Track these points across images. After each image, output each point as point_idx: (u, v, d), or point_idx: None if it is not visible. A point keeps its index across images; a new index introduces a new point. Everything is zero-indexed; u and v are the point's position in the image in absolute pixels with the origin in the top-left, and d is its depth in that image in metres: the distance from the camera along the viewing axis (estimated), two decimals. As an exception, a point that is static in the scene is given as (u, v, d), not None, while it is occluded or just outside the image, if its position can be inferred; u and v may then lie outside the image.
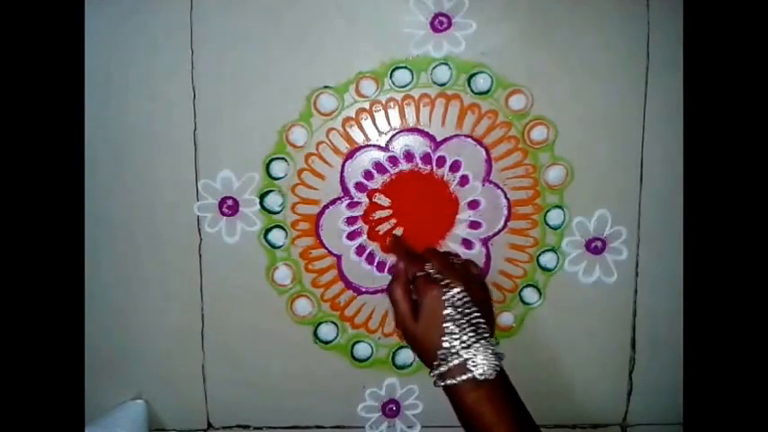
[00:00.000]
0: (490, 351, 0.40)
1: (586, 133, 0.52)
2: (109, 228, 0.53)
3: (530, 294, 0.54)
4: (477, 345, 0.40)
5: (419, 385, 0.55)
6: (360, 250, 0.53)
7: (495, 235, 0.53)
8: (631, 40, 0.51)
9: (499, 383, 0.40)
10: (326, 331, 0.54)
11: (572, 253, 0.54)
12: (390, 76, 0.51)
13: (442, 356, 0.41)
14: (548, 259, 0.54)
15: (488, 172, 0.52)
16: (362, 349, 0.54)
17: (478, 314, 0.42)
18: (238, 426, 0.56)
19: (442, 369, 0.41)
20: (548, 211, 0.53)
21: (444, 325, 0.41)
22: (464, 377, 0.40)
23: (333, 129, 0.52)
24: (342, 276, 0.54)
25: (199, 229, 0.53)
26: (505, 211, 0.53)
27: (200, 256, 0.53)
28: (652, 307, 0.54)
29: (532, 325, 0.54)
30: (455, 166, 0.52)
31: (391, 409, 0.55)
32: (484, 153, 0.52)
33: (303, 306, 0.54)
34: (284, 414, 0.55)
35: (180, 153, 0.52)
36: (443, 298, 0.41)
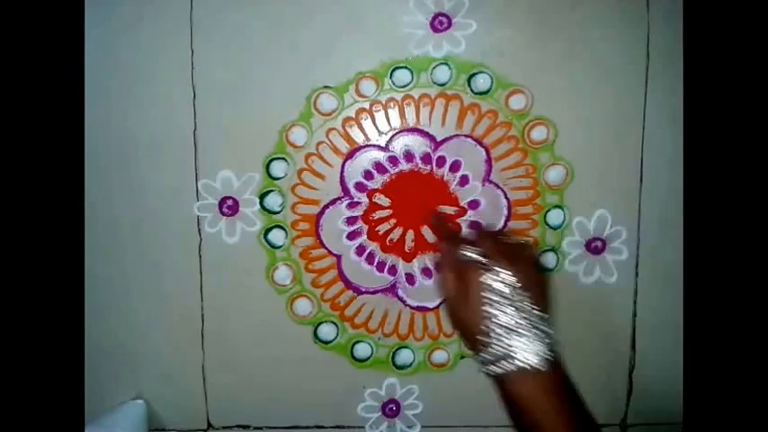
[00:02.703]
0: (538, 338, 0.37)
1: (586, 133, 0.52)
2: (109, 228, 0.53)
3: (530, 294, 0.54)
4: (523, 330, 0.37)
5: (419, 385, 0.55)
6: (360, 250, 0.53)
7: (495, 235, 0.53)
8: (631, 40, 0.51)
9: (552, 377, 0.37)
10: (326, 331, 0.54)
11: (572, 253, 0.54)
12: (390, 76, 0.51)
13: (482, 343, 0.38)
14: (548, 259, 0.54)
15: (488, 172, 0.52)
16: (362, 349, 0.54)
17: (523, 295, 0.38)
18: (238, 426, 0.56)
19: (484, 356, 0.38)
20: (548, 211, 0.53)
21: (483, 309, 0.38)
22: (505, 366, 0.37)
23: (333, 129, 0.52)
24: (342, 276, 0.54)
25: (199, 229, 0.53)
26: (505, 211, 0.53)
27: (200, 256, 0.53)
28: (652, 307, 0.54)
29: (532, 325, 0.54)
30: (455, 166, 0.52)
31: (391, 409, 0.55)
32: (484, 153, 0.52)
33: (303, 306, 0.54)
34: (284, 414, 0.55)
35: (180, 153, 0.52)
36: (481, 280, 0.39)
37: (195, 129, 0.52)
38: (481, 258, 0.40)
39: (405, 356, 0.55)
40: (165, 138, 0.52)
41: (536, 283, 0.40)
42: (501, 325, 0.38)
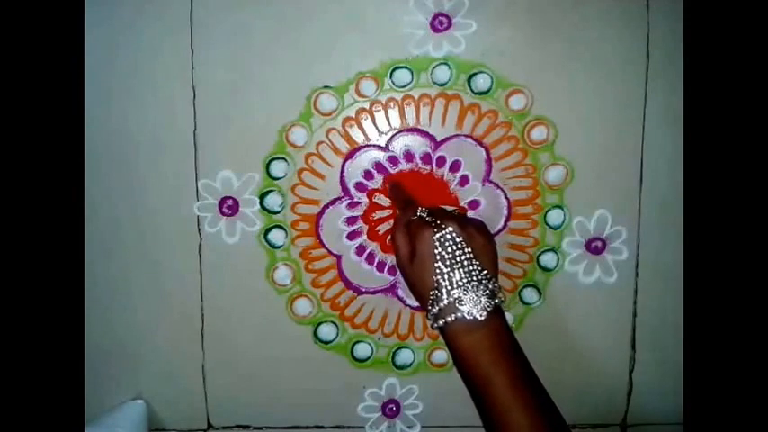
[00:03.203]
0: (482, 291, 0.40)
1: (586, 133, 0.52)
2: (109, 228, 0.53)
3: (530, 294, 0.54)
4: (468, 285, 0.40)
5: (419, 385, 0.55)
6: (360, 250, 0.53)
7: (494, 235, 0.53)
8: (631, 40, 0.51)
9: (496, 329, 0.40)
10: (326, 331, 0.54)
11: (572, 253, 0.54)
12: (390, 76, 0.51)
13: (433, 296, 0.41)
14: (548, 259, 0.54)
15: (488, 172, 0.52)
16: (362, 349, 0.54)
17: (471, 255, 0.41)
18: (238, 426, 0.56)
19: (434, 310, 0.40)
20: (548, 211, 0.53)
21: (435, 265, 0.41)
22: (452, 317, 0.39)
23: (333, 129, 0.52)
24: (342, 276, 0.54)
25: (199, 229, 0.53)
26: (505, 211, 0.53)
27: (200, 256, 0.53)
28: (652, 307, 0.54)
29: (532, 325, 0.54)
30: (455, 166, 0.52)
31: (391, 409, 0.56)
32: (484, 153, 0.52)
33: (303, 306, 0.54)
34: (284, 414, 0.55)
35: (180, 153, 0.52)
36: (434, 238, 0.41)
37: (195, 129, 0.52)
38: (432, 219, 0.43)
39: (405, 356, 0.55)
40: (165, 138, 0.52)
41: (482, 245, 0.42)
42: (449, 280, 0.40)
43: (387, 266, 0.54)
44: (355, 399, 0.55)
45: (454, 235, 0.41)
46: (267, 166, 0.52)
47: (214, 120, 0.52)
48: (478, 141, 0.52)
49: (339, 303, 0.54)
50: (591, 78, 0.52)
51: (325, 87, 0.51)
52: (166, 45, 0.51)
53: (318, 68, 0.51)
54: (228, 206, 0.53)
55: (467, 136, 0.52)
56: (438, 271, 0.41)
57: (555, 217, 0.53)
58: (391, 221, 0.53)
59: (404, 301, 0.54)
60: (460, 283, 0.40)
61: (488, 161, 0.52)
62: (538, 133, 0.52)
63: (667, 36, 0.51)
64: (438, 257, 0.41)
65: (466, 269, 0.40)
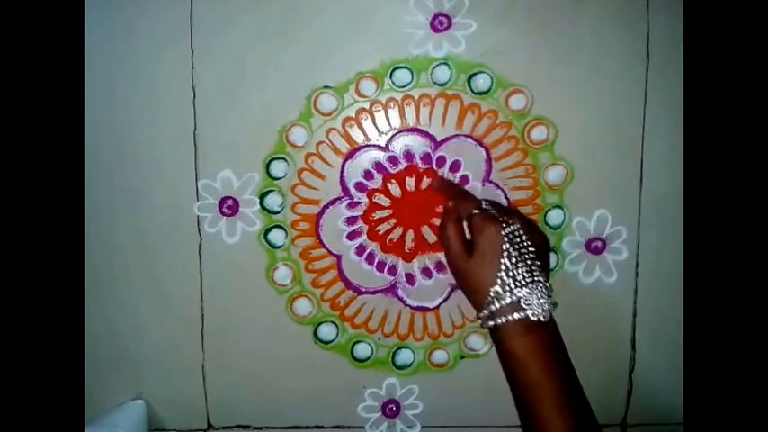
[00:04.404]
0: (545, 293, 0.39)
1: (586, 133, 0.52)
2: (109, 228, 0.53)
3: (530, 294, 0.54)
4: (533, 285, 0.39)
5: (419, 385, 0.55)
6: (360, 250, 0.53)
7: (495, 235, 0.53)
8: (631, 40, 0.51)
9: (550, 333, 0.40)
10: (326, 331, 0.54)
11: (572, 253, 0.54)
12: (390, 76, 0.51)
13: (494, 294, 0.40)
14: (548, 259, 0.54)
15: (488, 172, 0.52)
16: (362, 349, 0.54)
17: (534, 254, 0.41)
18: (238, 426, 0.56)
19: (493, 307, 0.40)
20: (548, 211, 0.53)
21: (501, 261, 0.40)
22: (515, 316, 0.39)
23: (333, 129, 0.52)
24: (342, 276, 0.54)
25: (199, 229, 0.53)
26: (505, 211, 0.53)
27: (200, 256, 0.53)
28: (652, 307, 0.54)
29: (532, 325, 0.54)
30: (455, 166, 0.52)
31: (391, 409, 0.56)
32: (484, 153, 0.52)
33: (303, 306, 0.54)
34: (284, 414, 0.55)
35: (180, 153, 0.52)
36: (502, 233, 0.40)
37: (195, 129, 0.52)
38: (495, 213, 0.42)
39: (405, 356, 0.55)
40: (165, 138, 0.52)
41: (540, 245, 0.42)
42: (513, 278, 0.39)
43: (387, 266, 0.54)
44: (355, 399, 0.55)
45: (521, 232, 0.41)
46: (267, 166, 0.52)
47: (214, 120, 0.52)
48: (478, 141, 0.52)
49: (339, 303, 0.54)
50: (591, 78, 0.52)
51: (326, 87, 0.51)
52: (166, 45, 0.51)
53: (318, 68, 0.51)
54: (228, 206, 0.53)
55: (467, 136, 0.52)
56: (503, 268, 0.40)
57: (555, 217, 0.53)
58: (392, 221, 0.53)
59: (404, 301, 0.54)
60: (524, 282, 0.39)
61: (488, 161, 0.52)
62: (538, 133, 0.52)
63: (667, 36, 0.51)
64: (505, 254, 0.40)
65: (529, 268, 0.40)
